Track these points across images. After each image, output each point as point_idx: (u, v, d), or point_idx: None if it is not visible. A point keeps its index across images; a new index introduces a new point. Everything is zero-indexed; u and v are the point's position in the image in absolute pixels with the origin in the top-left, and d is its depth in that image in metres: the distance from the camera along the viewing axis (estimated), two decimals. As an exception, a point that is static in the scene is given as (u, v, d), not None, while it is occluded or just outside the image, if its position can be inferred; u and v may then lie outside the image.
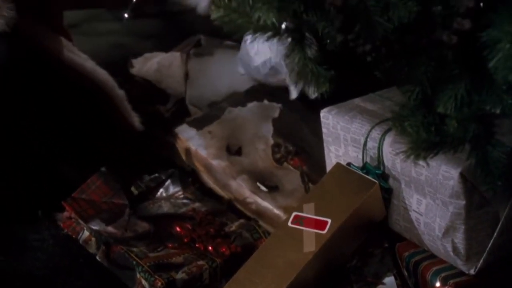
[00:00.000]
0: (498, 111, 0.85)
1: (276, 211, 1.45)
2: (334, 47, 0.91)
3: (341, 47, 0.88)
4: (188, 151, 1.65)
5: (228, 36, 1.52)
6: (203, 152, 1.62)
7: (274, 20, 0.85)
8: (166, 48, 2.00)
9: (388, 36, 0.84)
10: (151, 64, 1.87)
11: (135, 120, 1.68)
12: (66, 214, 1.50)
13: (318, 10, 0.85)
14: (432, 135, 0.90)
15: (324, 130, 1.38)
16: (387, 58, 0.86)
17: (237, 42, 1.80)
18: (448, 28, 0.81)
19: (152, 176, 1.64)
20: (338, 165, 1.27)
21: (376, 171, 1.22)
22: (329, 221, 1.18)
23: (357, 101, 1.39)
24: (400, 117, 0.93)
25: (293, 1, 0.83)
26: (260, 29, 0.86)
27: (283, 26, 0.85)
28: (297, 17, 0.86)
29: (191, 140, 1.66)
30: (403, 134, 0.94)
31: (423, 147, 0.90)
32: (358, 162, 1.28)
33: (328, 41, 0.91)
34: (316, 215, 1.20)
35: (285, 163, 1.58)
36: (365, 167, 1.23)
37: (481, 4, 0.80)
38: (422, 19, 0.84)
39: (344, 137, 1.33)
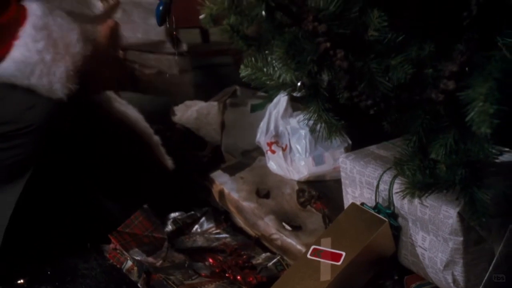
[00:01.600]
0: (481, 158, 1.00)
1: (299, 247, 1.56)
2: (345, 101, 1.08)
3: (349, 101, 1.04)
4: (221, 193, 1.80)
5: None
6: (235, 195, 1.77)
7: (292, 78, 1.02)
8: (205, 97, 2.17)
9: (388, 93, 1.00)
10: (191, 112, 2.03)
11: (169, 162, 1.82)
12: (112, 246, 1.64)
13: (329, 71, 1.02)
14: (427, 177, 1.05)
15: (342, 173, 1.53)
16: (387, 112, 1.01)
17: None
18: (436, 88, 0.96)
19: (189, 214, 1.79)
20: (352, 204, 1.42)
21: (387, 211, 1.36)
22: (344, 254, 1.32)
23: (372, 148, 1.53)
24: (401, 162, 1.08)
25: (308, 63, 1.00)
26: (281, 85, 1.02)
27: (299, 83, 1.01)
28: (311, 76, 1.02)
29: (225, 185, 1.81)
30: (403, 176, 1.08)
31: (418, 187, 1.04)
32: (371, 203, 1.42)
33: (339, 96, 1.08)
34: (332, 248, 1.34)
35: (308, 206, 1.72)
36: (376, 207, 1.37)
37: (467, 69, 0.96)
38: (415, 80, 1.00)
39: (360, 180, 1.47)
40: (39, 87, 1.42)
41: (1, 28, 1.39)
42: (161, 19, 1.34)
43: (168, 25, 1.36)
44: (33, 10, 1.42)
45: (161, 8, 1.32)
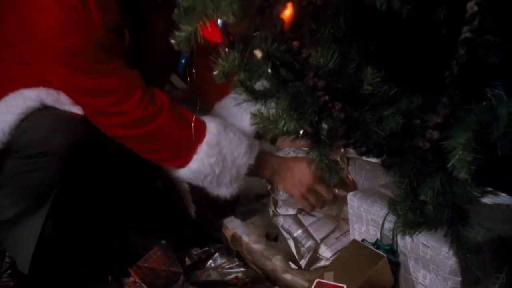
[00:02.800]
0: (465, 199, 1.11)
1: (304, 283, 1.67)
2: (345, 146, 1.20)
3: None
4: (233, 237, 1.91)
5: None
6: (246, 238, 1.88)
7: (295, 127, 1.14)
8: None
9: (380, 141, 1.11)
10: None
11: (192, 210, 1.96)
12: (131, 279, 1.76)
13: (328, 120, 1.14)
14: (417, 217, 1.16)
15: (350, 210, 1.64)
16: (379, 157, 1.13)
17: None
18: (423, 137, 1.08)
19: (203, 249, 1.90)
20: (354, 241, 1.53)
21: (386, 247, 1.46)
22: (345, 286, 1.42)
23: (379, 187, 1.65)
24: (394, 202, 1.20)
25: (309, 114, 1.12)
26: (285, 133, 1.15)
27: (301, 131, 1.13)
28: (312, 125, 1.14)
29: (237, 229, 1.92)
30: (396, 215, 1.20)
31: (409, 225, 1.15)
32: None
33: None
34: (334, 281, 1.45)
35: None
36: (376, 243, 1.48)
37: (451, 120, 1.07)
38: (405, 129, 1.12)
39: (366, 217, 1.58)
40: (208, 188, 1.73)
41: (185, 143, 1.69)
42: (184, 70, 1.48)
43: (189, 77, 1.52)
44: (211, 129, 1.71)
45: (183, 61, 1.46)
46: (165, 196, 1.91)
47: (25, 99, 1.65)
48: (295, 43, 1.08)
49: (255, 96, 1.12)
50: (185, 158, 1.71)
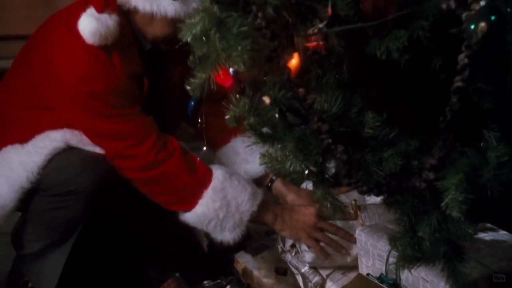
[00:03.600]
0: (460, 236, 1.18)
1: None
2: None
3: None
4: (244, 271, 1.99)
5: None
6: (256, 273, 1.96)
7: (301, 167, 1.22)
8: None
9: (380, 181, 1.19)
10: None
11: (204, 245, 2.05)
12: (147, 309, 1.84)
13: (331, 161, 1.22)
14: (415, 252, 1.23)
15: (358, 245, 1.71)
16: (379, 196, 1.20)
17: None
18: (420, 177, 1.16)
19: (215, 282, 1.97)
20: (359, 275, 1.60)
21: (389, 281, 1.53)
22: (350, 319, 1.50)
23: (386, 223, 1.72)
24: (394, 238, 1.27)
25: (314, 155, 1.21)
26: (291, 173, 1.23)
27: (306, 171, 1.21)
28: (317, 166, 1.22)
29: (248, 263, 2.00)
30: (396, 250, 1.27)
31: (408, 260, 1.23)
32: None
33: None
34: (340, 314, 1.52)
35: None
36: (380, 277, 1.55)
37: (446, 162, 1.15)
38: (404, 170, 1.20)
39: (373, 252, 1.65)
40: (212, 232, 1.82)
41: (192, 188, 1.79)
42: (193, 113, 1.58)
43: (199, 119, 1.62)
44: (217, 175, 1.81)
45: (192, 103, 1.55)
46: (179, 230, 2.00)
47: (51, 141, 1.76)
48: (301, 90, 1.17)
49: (264, 138, 1.20)
50: (191, 203, 1.80)
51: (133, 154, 1.77)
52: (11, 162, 1.79)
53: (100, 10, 1.69)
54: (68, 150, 1.78)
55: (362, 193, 1.18)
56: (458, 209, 1.04)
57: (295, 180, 1.23)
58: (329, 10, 1.19)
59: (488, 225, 1.59)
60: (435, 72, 1.22)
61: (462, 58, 1.07)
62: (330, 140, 1.16)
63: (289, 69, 1.17)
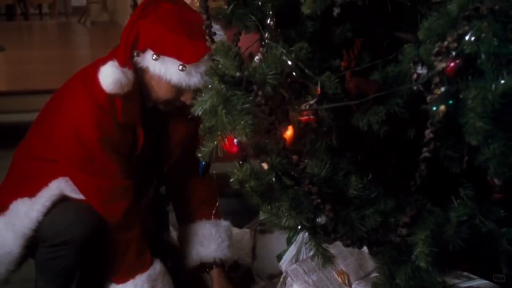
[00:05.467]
0: (431, 284, 1.37)
1: None
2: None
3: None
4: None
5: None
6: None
7: (295, 222, 1.42)
8: (239, 224, 2.56)
9: (363, 235, 1.39)
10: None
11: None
12: None
13: (321, 217, 1.43)
14: (395, 297, 1.43)
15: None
16: (360, 248, 1.40)
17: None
18: (395, 232, 1.36)
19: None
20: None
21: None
22: None
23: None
24: (377, 285, 1.47)
25: (306, 212, 1.41)
26: (286, 227, 1.43)
27: (299, 226, 1.41)
28: (309, 221, 1.43)
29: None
30: (377, 296, 1.46)
31: (388, 304, 1.42)
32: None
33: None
34: None
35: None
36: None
37: (418, 219, 1.35)
38: (382, 226, 1.40)
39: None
40: None
41: (132, 267, 2.02)
42: (204, 172, 1.79)
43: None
44: (155, 267, 2.06)
45: (203, 163, 1.76)
46: (176, 274, 2.18)
47: (48, 189, 1.98)
48: (295, 157, 1.39)
49: (263, 199, 1.41)
50: (124, 278, 2.02)
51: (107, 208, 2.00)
52: (18, 213, 1.99)
53: (122, 64, 1.94)
54: (64, 201, 1.98)
55: (346, 246, 1.38)
56: (425, 260, 1.24)
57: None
58: (318, 89, 1.41)
59: (465, 273, 1.77)
60: (409, 141, 1.43)
61: (428, 133, 1.28)
62: (319, 200, 1.37)
63: (285, 139, 1.39)
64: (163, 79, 1.95)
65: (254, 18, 1.70)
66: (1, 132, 3.65)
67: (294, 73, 1.46)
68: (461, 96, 1.21)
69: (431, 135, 1.27)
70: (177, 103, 2.04)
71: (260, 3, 1.72)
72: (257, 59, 1.50)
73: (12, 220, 1.99)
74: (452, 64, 1.24)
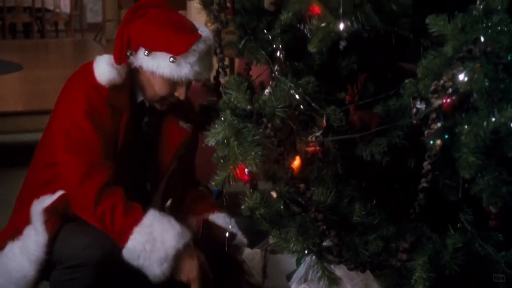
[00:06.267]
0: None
1: None
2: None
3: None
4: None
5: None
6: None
7: (302, 247, 1.52)
8: (251, 244, 2.63)
9: (366, 260, 1.48)
10: (240, 258, 2.51)
11: None
12: None
13: (327, 242, 1.52)
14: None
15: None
16: (363, 272, 1.49)
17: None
18: (396, 257, 1.44)
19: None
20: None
21: None
22: None
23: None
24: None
25: (312, 237, 1.50)
26: (294, 251, 1.52)
27: (306, 251, 1.50)
28: (315, 246, 1.52)
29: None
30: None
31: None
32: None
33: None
34: None
35: None
36: None
37: (417, 245, 1.44)
38: (384, 250, 1.49)
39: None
40: (144, 267, 2.01)
41: (125, 226, 2.01)
42: (217, 196, 1.88)
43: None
44: (149, 215, 2.04)
45: (216, 191, 1.85)
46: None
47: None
48: (302, 185, 1.48)
49: (272, 225, 1.50)
50: (124, 240, 2.01)
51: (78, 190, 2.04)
52: (31, 237, 2.06)
53: (118, 62, 2.07)
54: (74, 223, 2.06)
55: (350, 269, 1.47)
56: (423, 285, 1.33)
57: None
58: (324, 122, 1.51)
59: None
60: (410, 170, 1.52)
61: (426, 165, 1.37)
62: (324, 227, 1.46)
63: (292, 169, 1.48)
64: (156, 74, 2.06)
65: (264, 52, 1.81)
66: (19, 151, 3.75)
67: (301, 106, 1.56)
68: (456, 131, 1.30)
69: (429, 166, 1.36)
70: (172, 99, 2.14)
71: (270, 37, 1.82)
72: (267, 92, 1.60)
73: (26, 245, 2.07)
74: (448, 100, 1.34)
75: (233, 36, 1.91)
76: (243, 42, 1.79)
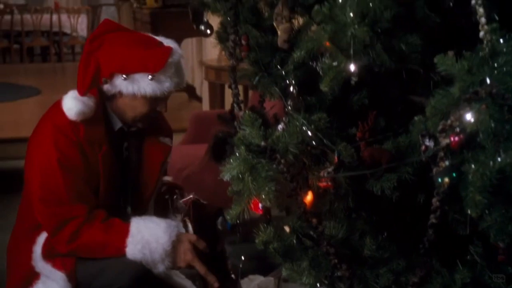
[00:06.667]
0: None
1: None
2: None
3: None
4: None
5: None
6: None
7: (314, 280, 1.56)
8: (264, 271, 2.68)
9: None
10: (254, 285, 2.56)
11: None
12: None
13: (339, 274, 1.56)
14: None
15: None
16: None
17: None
18: None
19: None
20: None
21: None
22: None
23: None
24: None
25: (324, 270, 1.54)
26: (306, 284, 1.56)
27: (318, 284, 1.54)
28: (327, 279, 1.56)
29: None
30: None
31: None
32: None
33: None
34: None
35: None
36: None
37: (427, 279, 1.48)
38: (394, 284, 1.52)
39: None
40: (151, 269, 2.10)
41: (115, 242, 2.09)
42: (231, 229, 1.93)
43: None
44: (132, 224, 2.11)
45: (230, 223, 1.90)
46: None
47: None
48: (314, 220, 1.53)
49: (285, 258, 1.55)
50: (122, 252, 2.09)
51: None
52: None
53: (82, 94, 2.08)
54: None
55: (361, 300, 1.51)
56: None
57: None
58: (336, 158, 1.55)
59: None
60: (420, 205, 1.56)
61: (435, 201, 1.41)
62: (336, 260, 1.50)
63: (305, 204, 1.53)
64: (138, 95, 2.10)
65: (277, 87, 1.86)
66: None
67: (313, 142, 1.60)
68: (463, 169, 1.34)
69: (438, 203, 1.40)
70: (153, 114, 2.19)
71: (283, 72, 1.88)
72: (280, 128, 1.65)
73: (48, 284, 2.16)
74: (456, 139, 1.38)
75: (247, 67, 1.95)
76: (257, 78, 1.84)
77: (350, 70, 1.52)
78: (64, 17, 9.96)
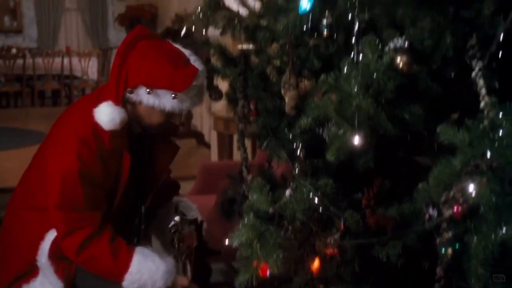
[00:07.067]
0: None
1: None
2: None
3: None
4: None
5: None
6: None
7: None
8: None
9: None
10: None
11: None
12: None
13: None
14: None
15: None
16: None
17: None
18: None
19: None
20: None
21: None
22: None
23: None
24: None
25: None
26: None
27: None
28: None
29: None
30: None
31: None
32: None
33: None
34: None
35: None
36: None
37: None
38: None
39: None
40: None
41: (115, 272, 2.16)
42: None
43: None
44: (134, 261, 2.16)
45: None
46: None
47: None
48: (321, 286, 1.56)
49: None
50: (119, 282, 2.16)
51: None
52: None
53: (118, 103, 2.13)
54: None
55: None
56: None
57: None
58: (342, 225, 1.59)
59: None
60: (425, 272, 1.59)
61: (439, 271, 1.44)
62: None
63: (312, 271, 1.56)
64: (157, 108, 2.15)
65: (285, 150, 1.91)
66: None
67: (320, 208, 1.65)
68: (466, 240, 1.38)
69: (442, 273, 1.44)
70: (167, 125, 2.26)
71: (291, 136, 1.93)
72: (287, 194, 1.69)
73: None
74: (459, 209, 1.42)
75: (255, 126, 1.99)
76: (266, 143, 1.89)
77: (355, 143, 1.56)
78: (75, 60, 10.08)
